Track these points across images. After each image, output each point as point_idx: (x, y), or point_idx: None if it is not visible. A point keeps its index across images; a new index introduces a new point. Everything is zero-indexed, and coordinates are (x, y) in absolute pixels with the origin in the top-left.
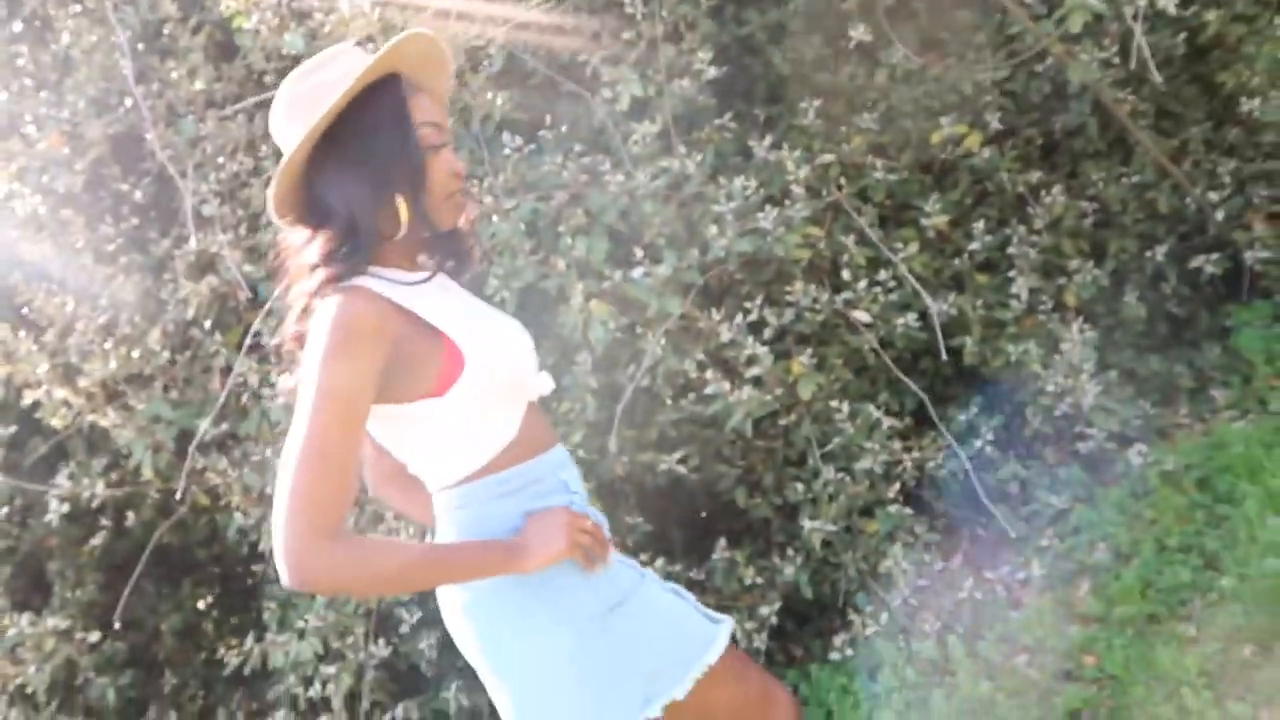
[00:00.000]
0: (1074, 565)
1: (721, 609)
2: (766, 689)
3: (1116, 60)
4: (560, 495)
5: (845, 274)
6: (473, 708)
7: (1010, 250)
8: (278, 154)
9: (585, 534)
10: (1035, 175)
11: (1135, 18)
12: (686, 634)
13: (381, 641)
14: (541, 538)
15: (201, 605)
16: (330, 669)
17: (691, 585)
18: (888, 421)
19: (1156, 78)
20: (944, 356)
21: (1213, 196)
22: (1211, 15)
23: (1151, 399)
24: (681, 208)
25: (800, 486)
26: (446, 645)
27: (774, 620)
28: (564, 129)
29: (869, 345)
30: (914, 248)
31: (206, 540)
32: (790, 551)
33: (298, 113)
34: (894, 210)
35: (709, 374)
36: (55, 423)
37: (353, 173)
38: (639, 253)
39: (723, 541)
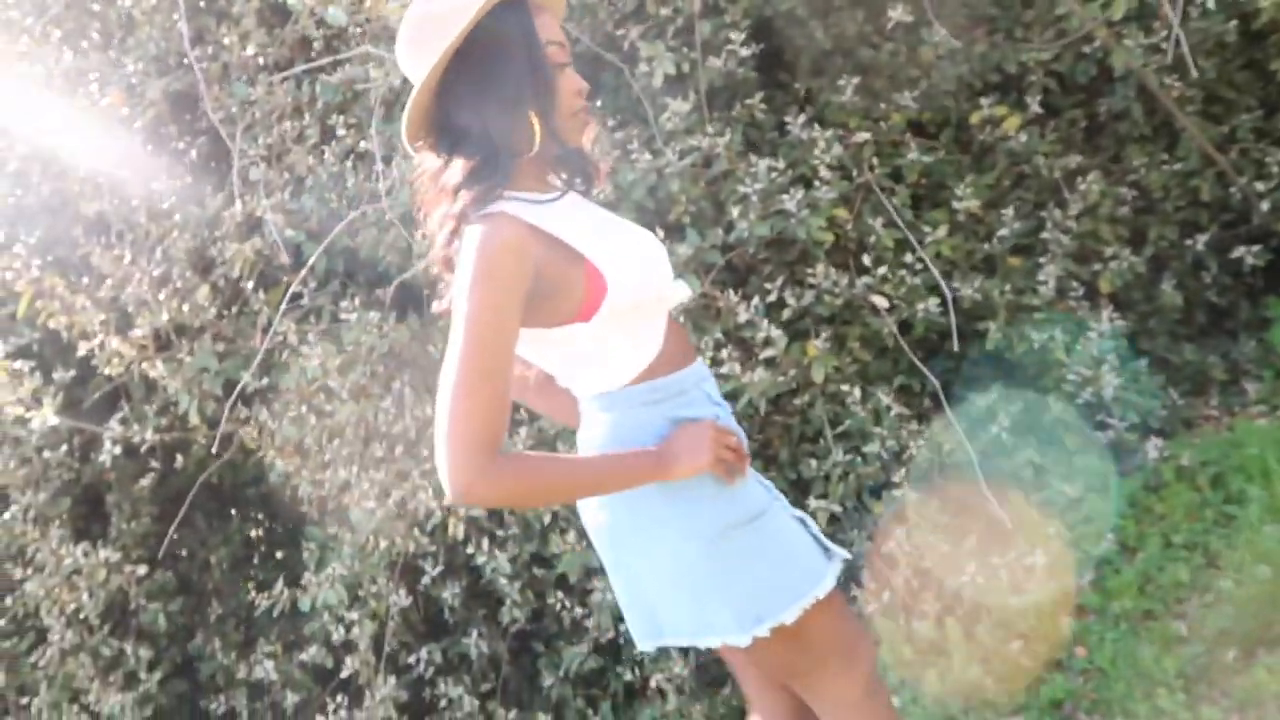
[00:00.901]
0: (1080, 555)
1: None
2: (854, 636)
3: (1165, 45)
4: (705, 406)
5: (866, 258)
6: (492, 653)
7: (1043, 235)
8: (322, 120)
9: (728, 449)
10: (1075, 160)
11: (1175, 6)
12: (802, 563)
13: (403, 591)
14: (688, 450)
15: (253, 535)
16: (354, 614)
17: None
18: (896, 408)
19: (1193, 71)
20: (956, 347)
21: (1259, 186)
22: (1265, 1)
23: (1182, 388)
24: (709, 186)
25: (814, 463)
26: (470, 595)
27: None
28: (599, 103)
29: (888, 329)
30: (943, 230)
31: (254, 480)
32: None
33: (426, 35)
34: (929, 190)
35: (724, 353)
36: (108, 371)
37: (486, 92)
38: (660, 232)
39: None
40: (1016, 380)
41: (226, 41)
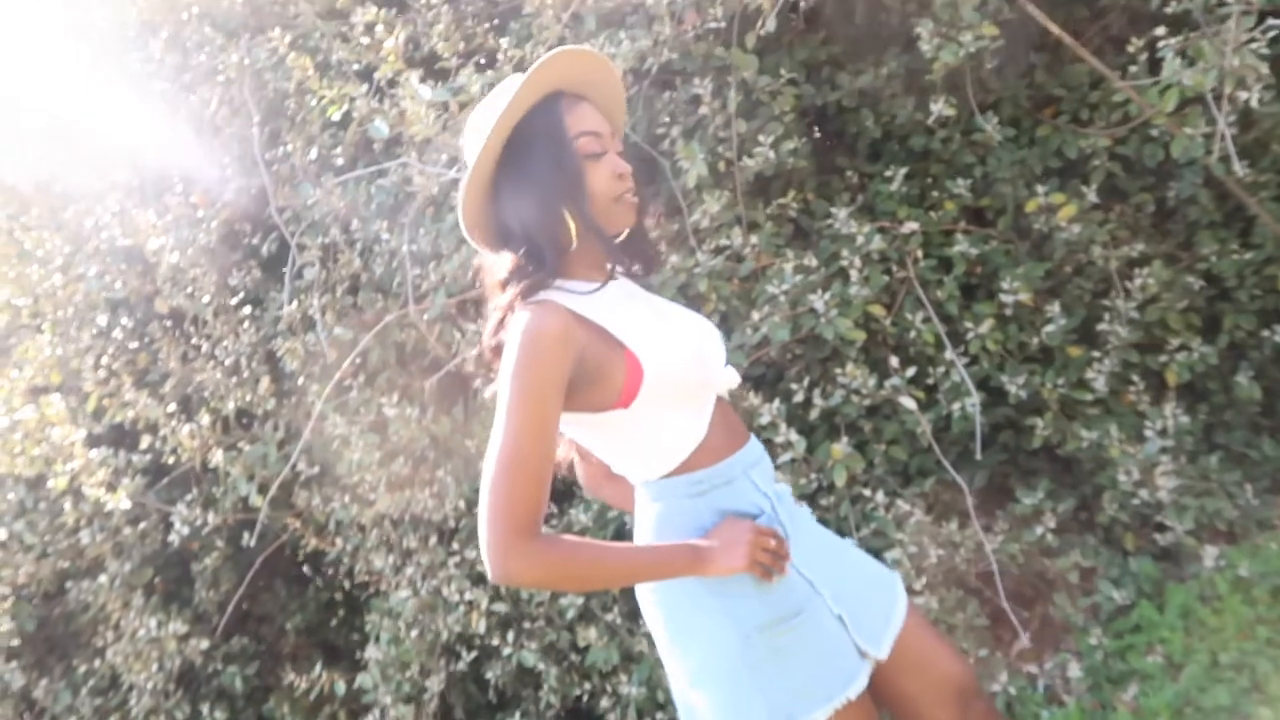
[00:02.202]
0: (1124, 667)
1: None
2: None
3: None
4: (752, 496)
5: (894, 359)
6: None
7: (1100, 327)
8: (385, 218)
9: (765, 551)
10: (1138, 248)
11: (1220, 106)
12: (837, 663)
13: (440, 676)
14: (725, 549)
15: (335, 598)
16: (388, 698)
17: None
18: (918, 514)
19: (1238, 170)
20: (979, 453)
21: None
22: None
23: (1260, 485)
24: (743, 283)
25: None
26: (514, 678)
27: None
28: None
29: (921, 428)
30: (988, 325)
31: (320, 554)
32: None
33: (472, 142)
34: (984, 279)
35: None
36: (173, 460)
37: (521, 191)
38: None
39: None
40: (1074, 478)
41: (290, 147)
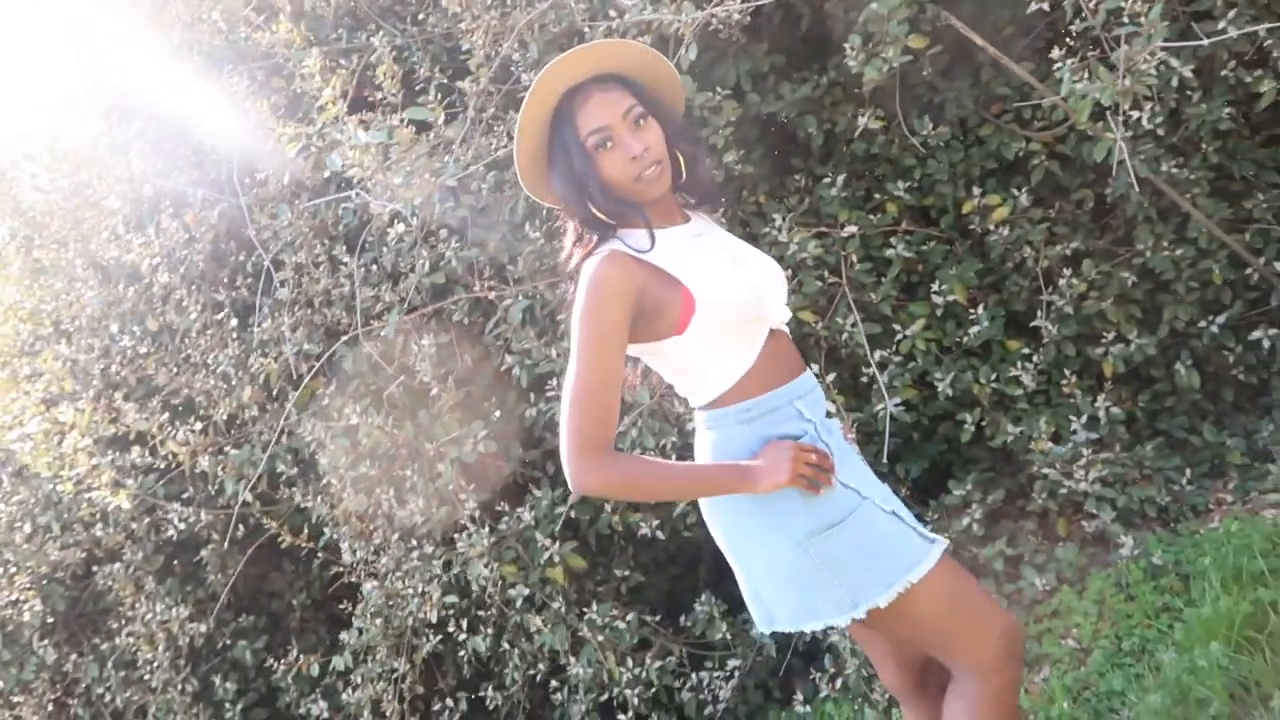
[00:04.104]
0: (1040, 651)
1: (697, 658)
2: (980, 606)
3: (1161, 131)
4: (796, 423)
5: (814, 365)
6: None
7: (1033, 323)
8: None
9: (809, 465)
10: (1072, 246)
11: (1116, 120)
12: (894, 552)
13: (403, 660)
14: (769, 468)
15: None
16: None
17: (678, 632)
18: None
19: (1136, 186)
20: (885, 457)
21: (1279, 267)
22: (1265, 86)
23: (1199, 470)
24: None
25: None
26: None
27: (739, 673)
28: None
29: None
30: (919, 325)
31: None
32: None
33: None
34: (924, 277)
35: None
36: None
37: (556, 187)
38: None
39: (703, 596)
40: (1012, 465)
41: (262, 175)
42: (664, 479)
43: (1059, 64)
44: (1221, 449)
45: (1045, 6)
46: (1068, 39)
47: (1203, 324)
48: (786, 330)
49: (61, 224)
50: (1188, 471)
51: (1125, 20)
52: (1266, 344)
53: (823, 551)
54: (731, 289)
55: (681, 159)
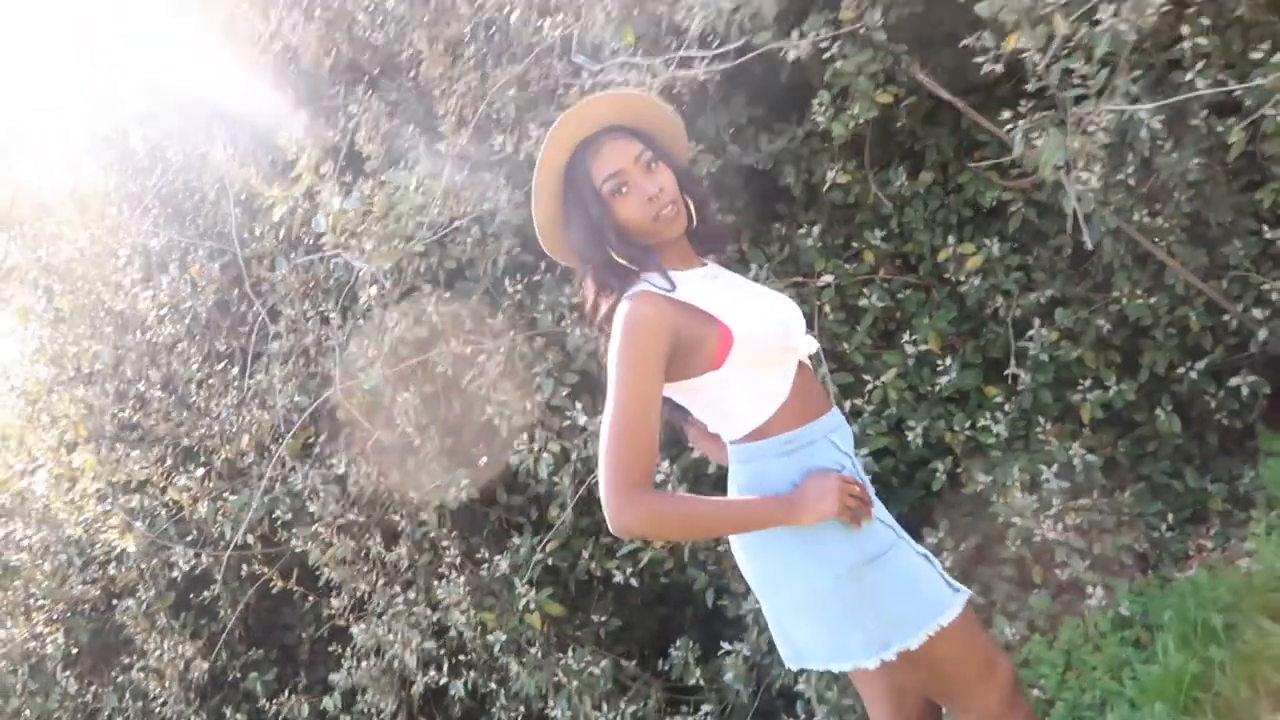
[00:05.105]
0: None
1: (676, 701)
2: (990, 655)
3: (1132, 182)
4: (834, 456)
5: None
6: None
7: (1007, 371)
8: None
9: (853, 497)
10: (1048, 292)
11: (1069, 177)
12: (926, 595)
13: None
14: (815, 499)
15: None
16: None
17: (657, 676)
18: None
19: (1089, 244)
20: None
21: (1257, 313)
22: (1235, 136)
23: (1180, 516)
24: None
25: (729, 607)
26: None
27: (712, 718)
28: (558, 272)
29: None
30: (891, 374)
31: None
32: (730, 658)
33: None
34: (902, 323)
35: None
36: (167, 512)
37: (574, 238)
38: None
39: (679, 641)
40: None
41: (258, 231)
42: (706, 515)
43: (1011, 126)
44: (1203, 494)
45: (999, 69)
46: (1020, 101)
47: (1182, 370)
48: (811, 366)
49: (83, 273)
50: (1169, 517)
51: (1076, 81)
52: (1245, 390)
53: (859, 587)
54: (761, 321)
55: (691, 204)
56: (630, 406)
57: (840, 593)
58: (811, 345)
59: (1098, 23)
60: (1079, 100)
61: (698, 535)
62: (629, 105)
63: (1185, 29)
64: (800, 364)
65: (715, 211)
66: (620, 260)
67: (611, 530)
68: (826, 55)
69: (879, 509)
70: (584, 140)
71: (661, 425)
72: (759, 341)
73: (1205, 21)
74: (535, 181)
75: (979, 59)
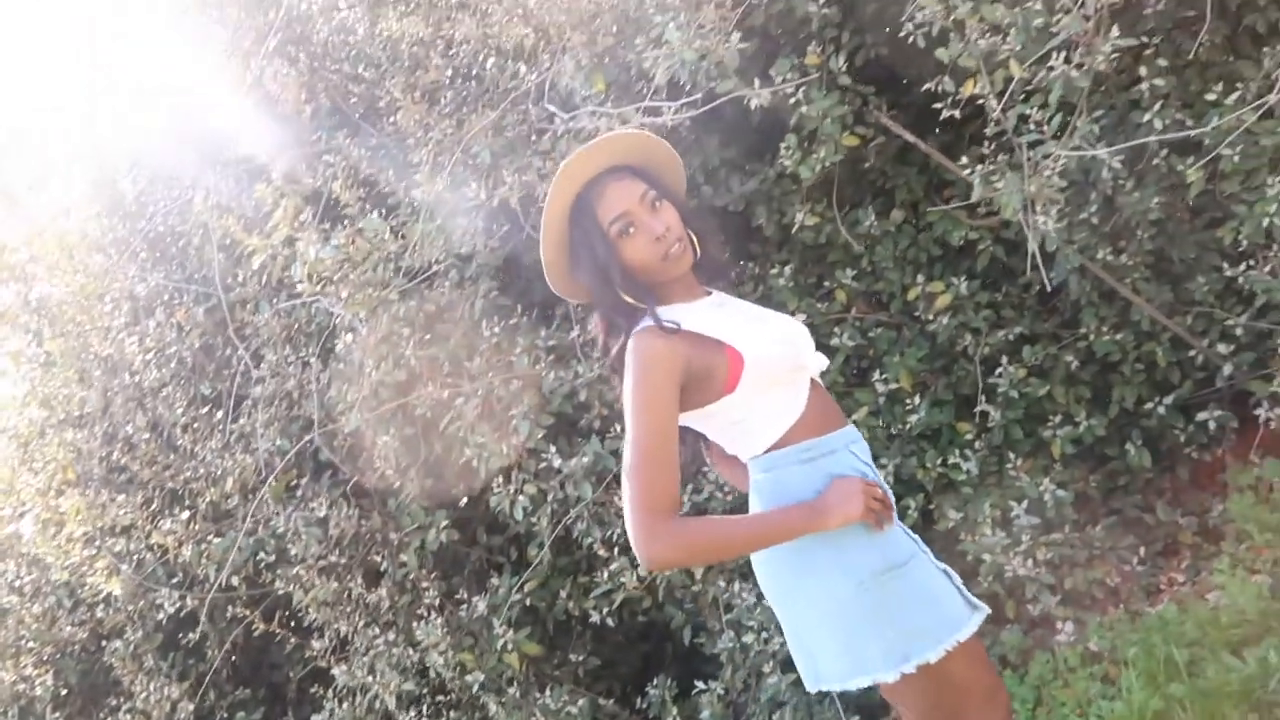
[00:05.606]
0: None
1: None
2: (995, 680)
3: (1095, 221)
4: (853, 463)
5: None
6: None
7: (977, 409)
8: (318, 340)
9: (876, 500)
10: (1017, 329)
11: (1028, 219)
12: (946, 609)
13: None
14: (840, 502)
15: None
16: None
17: (634, 714)
18: None
19: (1049, 283)
20: None
21: (1222, 349)
22: (1193, 175)
23: (1153, 549)
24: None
25: (705, 645)
26: None
27: None
28: (534, 315)
29: None
30: (863, 412)
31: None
32: (705, 696)
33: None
34: (874, 361)
35: (610, 554)
36: (150, 556)
37: (584, 280)
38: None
39: (656, 679)
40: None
41: (241, 276)
42: (735, 534)
43: (970, 170)
44: (1175, 528)
45: (956, 114)
46: (984, 141)
47: (1151, 404)
48: (822, 383)
49: (72, 316)
50: (1141, 551)
51: (1030, 127)
52: (1213, 424)
53: (880, 596)
54: (770, 343)
55: (694, 238)
56: (648, 441)
57: (861, 600)
58: (822, 362)
59: (1053, 68)
60: (1034, 145)
61: (728, 554)
62: (630, 145)
63: (1143, 70)
64: (812, 381)
65: (718, 243)
66: (628, 299)
67: (644, 568)
68: (793, 100)
69: (899, 522)
70: (588, 181)
71: (683, 457)
72: (769, 363)
73: (1163, 63)
74: (543, 224)
75: (937, 105)
